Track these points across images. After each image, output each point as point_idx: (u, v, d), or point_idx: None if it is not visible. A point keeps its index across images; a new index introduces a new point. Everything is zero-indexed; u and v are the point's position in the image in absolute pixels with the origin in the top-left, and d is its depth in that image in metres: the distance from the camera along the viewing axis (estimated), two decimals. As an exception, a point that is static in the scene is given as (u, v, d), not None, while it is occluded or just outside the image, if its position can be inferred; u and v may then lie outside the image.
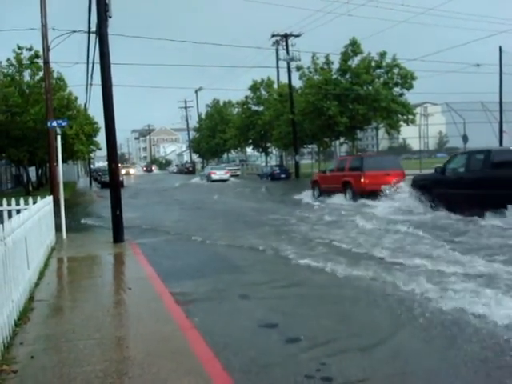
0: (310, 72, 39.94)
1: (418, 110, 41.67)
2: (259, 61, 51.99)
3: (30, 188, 31.91)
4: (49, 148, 23.88)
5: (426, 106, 68.01)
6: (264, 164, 61.89)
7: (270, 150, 62.88)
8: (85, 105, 37.10)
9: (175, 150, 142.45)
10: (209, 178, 46.69)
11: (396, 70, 36.84)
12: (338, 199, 19.96)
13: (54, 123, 13.45)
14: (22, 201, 10.33)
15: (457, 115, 38.89)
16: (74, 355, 4.57)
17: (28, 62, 27.32)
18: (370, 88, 36.80)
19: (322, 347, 4.73)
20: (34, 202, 9.44)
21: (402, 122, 37.82)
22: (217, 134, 74.15)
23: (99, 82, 12.12)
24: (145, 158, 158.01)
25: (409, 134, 47.93)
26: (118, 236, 11.68)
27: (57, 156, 14.20)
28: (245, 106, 60.62)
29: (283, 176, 44.36)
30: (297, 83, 44.45)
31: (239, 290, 7.02)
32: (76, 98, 32.48)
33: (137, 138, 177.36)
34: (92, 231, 14.76)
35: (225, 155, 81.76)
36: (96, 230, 14.76)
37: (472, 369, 4.19)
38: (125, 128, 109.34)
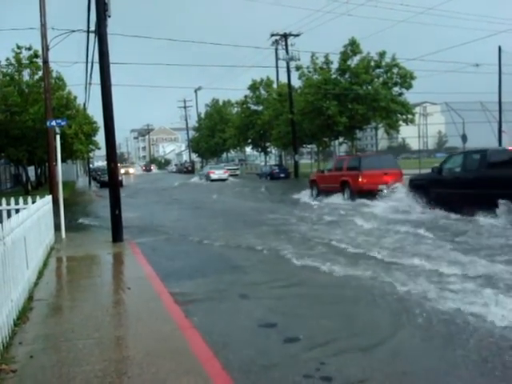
0: (310, 72, 39.97)
1: (417, 109, 41.66)
2: (258, 60, 52.45)
3: (29, 187, 31.90)
4: (48, 147, 23.90)
5: (425, 106, 67.98)
6: (263, 163, 61.90)
7: (269, 149, 62.90)
8: (84, 104, 37.10)
9: (174, 149, 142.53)
10: (208, 178, 46.74)
11: (395, 70, 36.88)
12: (336, 199, 20.05)
13: (53, 123, 13.44)
14: (21, 200, 10.31)
15: (456, 115, 38.87)
16: (73, 355, 4.57)
17: (27, 62, 27.30)
18: (370, 88, 36.83)
19: (321, 347, 4.73)
20: (33, 202, 9.43)
21: (401, 122, 37.87)
22: (216, 134, 74.18)
23: (98, 82, 12.12)
24: (144, 157, 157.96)
25: (408, 133, 47.95)
26: (117, 235, 11.67)
27: (56, 155, 14.19)
28: (244, 106, 60.65)
29: (282, 176, 44.39)
30: (296, 83, 44.55)
31: (239, 289, 7.03)
32: (75, 98, 32.49)
33: (136, 138, 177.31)
34: (91, 231, 14.76)
35: (224, 155, 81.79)
36: (95, 230, 14.75)
37: (471, 369, 4.20)
38: (124, 127, 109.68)
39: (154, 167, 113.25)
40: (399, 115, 37.23)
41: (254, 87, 58.90)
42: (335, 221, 14.11)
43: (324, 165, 32.82)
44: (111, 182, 12.18)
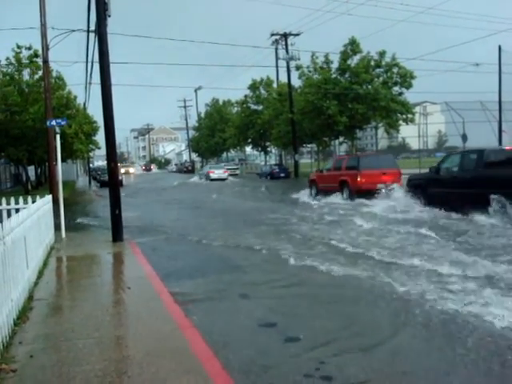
0: (310, 71, 39.96)
1: (417, 109, 41.65)
2: (258, 60, 52.49)
3: (29, 187, 31.89)
4: (48, 147, 23.90)
5: (425, 105, 67.94)
6: (263, 163, 61.91)
7: (269, 149, 62.92)
8: (84, 104, 37.09)
9: (174, 149, 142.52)
10: (207, 177, 46.83)
11: (395, 70, 36.88)
12: (335, 198, 20.15)
13: (53, 122, 13.43)
14: (21, 200, 10.31)
15: (456, 114, 38.87)
16: (73, 354, 4.57)
17: (27, 61, 27.28)
18: (370, 87, 36.84)
19: (321, 346, 4.73)
20: (33, 201, 9.43)
21: (401, 121, 37.87)
22: (216, 133, 74.18)
23: (98, 81, 12.12)
24: (144, 157, 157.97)
25: (408, 133, 47.94)
26: (117, 235, 11.67)
27: (56, 155, 14.19)
28: (244, 106, 60.66)
29: (282, 175, 44.40)
30: (296, 82, 44.57)
31: (238, 289, 7.03)
32: (75, 97, 32.48)
33: (136, 137, 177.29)
34: (91, 230, 14.76)
35: (224, 154, 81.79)
36: (95, 229, 14.75)
37: (471, 369, 4.20)
38: (124, 127, 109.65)
39: (153, 167, 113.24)
40: (399, 115, 37.24)
41: (254, 87, 58.90)
42: (334, 220, 14.11)
43: (324, 164, 32.88)
44: (111, 182, 12.18)
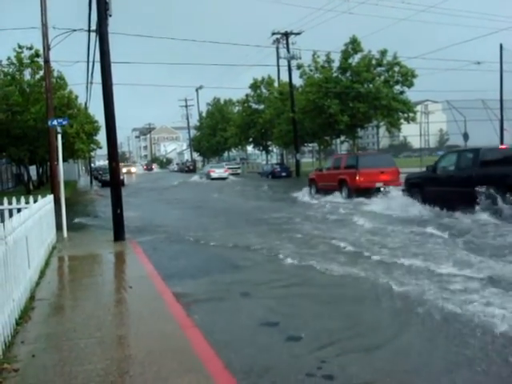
0: (311, 70, 39.90)
1: (418, 107, 41.62)
2: (260, 59, 52.57)
3: (31, 187, 31.90)
4: (49, 147, 23.90)
5: (426, 104, 67.78)
6: (265, 162, 61.89)
7: (270, 148, 62.90)
8: (85, 103, 37.11)
9: (176, 148, 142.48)
10: (208, 177, 46.96)
11: (397, 68, 36.80)
12: (335, 197, 20.33)
13: (55, 122, 13.44)
14: (22, 200, 10.33)
15: (457, 113, 38.85)
16: (75, 354, 4.58)
17: (28, 61, 27.28)
18: (371, 86, 36.78)
19: (322, 345, 4.73)
20: (35, 201, 9.44)
21: (402, 120, 37.80)
22: (217, 133, 74.15)
23: (100, 81, 12.13)
24: (145, 156, 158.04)
25: (409, 131, 47.86)
26: (118, 234, 11.68)
27: (57, 155, 14.21)
28: (245, 105, 60.63)
29: (284, 174, 44.40)
30: (297, 81, 44.50)
31: (240, 288, 7.03)
32: (76, 97, 32.47)
33: (137, 137, 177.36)
34: (93, 230, 14.77)
35: (225, 153, 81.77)
36: (96, 229, 14.76)
37: (471, 369, 4.20)
38: (125, 126, 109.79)
39: (155, 166, 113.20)
40: (400, 113, 37.18)
41: (255, 86, 58.87)
42: (335, 219, 14.15)
43: (324, 163, 32.86)
44: (113, 181, 12.18)
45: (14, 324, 5.27)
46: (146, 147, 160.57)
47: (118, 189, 12.03)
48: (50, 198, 11.35)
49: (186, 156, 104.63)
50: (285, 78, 48.47)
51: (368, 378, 4.03)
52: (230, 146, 71.41)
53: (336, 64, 38.79)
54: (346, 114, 36.55)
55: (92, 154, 49.50)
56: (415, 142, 62.89)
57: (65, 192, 13.93)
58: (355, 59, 37.84)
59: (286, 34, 45.73)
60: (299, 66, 40.75)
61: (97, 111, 24.50)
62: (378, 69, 37.66)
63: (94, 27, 15.85)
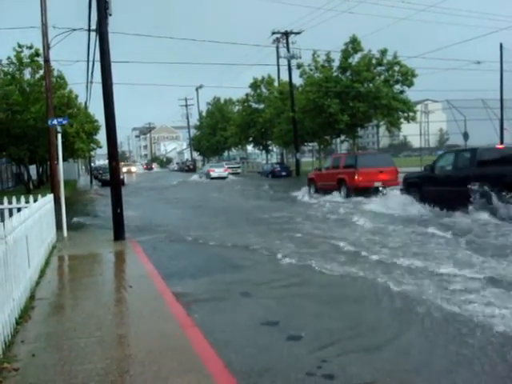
0: (311, 70, 39.88)
1: (418, 107, 41.59)
2: (260, 58, 52.48)
3: (31, 186, 31.89)
4: (49, 146, 23.90)
5: (426, 104, 67.80)
6: (265, 162, 61.87)
7: (270, 147, 62.86)
8: (85, 103, 37.11)
9: (176, 147, 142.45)
10: (208, 176, 47.02)
11: (397, 68, 36.78)
12: (334, 196, 20.46)
13: (55, 121, 13.44)
14: (22, 199, 10.32)
15: (457, 112, 38.83)
16: (75, 353, 4.58)
17: (28, 61, 27.28)
18: (371, 85, 36.75)
19: (322, 344, 4.73)
20: (35, 200, 9.44)
21: (402, 120, 37.78)
22: (217, 132, 74.12)
23: (100, 80, 12.13)
24: (145, 155, 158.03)
25: (409, 131, 47.86)
26: (118, 234, 11.68)
27: (57, 154, 14.20)
28: (245, 104, 60.59)
29: (284, 174, 44.41)
30: (297, 81, 44.49)
31: (240, 288, 7.03)
32: (76, 96, 32.47)
33: (137, 136, 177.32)
34: (93, 229, 14.76)
35: (225, 153, 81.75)
36: (96, 228, 14.75)
37: (472, 368, 4.20)
38: (125, 126, 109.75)
39: (155, 166, 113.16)
40: (400, 113, 37.17)
41: (255, 85, 58.85)
42: (334, 219, 14.18)
43: (324, 163, 32.87)
44: (113, 181, 12.18)
45: (14, 323, 5.27)
46: (145, 146, 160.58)
47: (118, 188, 12.03)
48: (50, 197, 11.35)
49: (186, 155, 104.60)
50: (285, 77, 48.56)
51: (368, 377, 4.03)
52: (229, 145, 71.39)
53: (336, 63, 38.79)
54: (346, 113, 36.54)
55: (92, 153, 49.51)
56: (415, 142, 62.92)
57: (65, 191, 13.93)
58: (355, 59, 37.83)
59: (286, 34, 45.72)
60: (299, 66, 40.73)
61: (97, 110, 24.51)
62: (378, 68, 37.64)
63: (93, 26, 15.84)
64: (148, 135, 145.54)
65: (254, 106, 59.44)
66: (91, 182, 49.84)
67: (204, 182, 44.13)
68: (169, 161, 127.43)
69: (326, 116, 37.38)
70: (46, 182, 37.37)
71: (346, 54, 37.73)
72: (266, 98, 56.16)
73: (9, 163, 37.82)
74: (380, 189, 18.12)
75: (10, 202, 10.45)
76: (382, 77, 37.39)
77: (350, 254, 9.04)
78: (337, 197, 20.24)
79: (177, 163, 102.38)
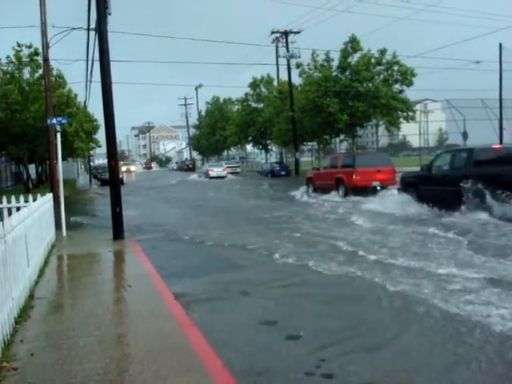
0: (310, 69, 39.89)
1: (418, 106, 41.64)
2: (259, 58, 52.60)
3: (30, 185, 31.89)
4: (48, 145, 23.89)
5: (426, 103, 67.90)
6: (264, 161, 61.87)
7: (270, 147, 62.86)
8: (84, 102, 37.07)
9: (175, 147, 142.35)
10: (206, 175, 47.04)
11: (396, 67, 36.80)
12: (332, 195, 20.54)
13: (54, 121, 13.43)
14: (21, 198, 10.32)
15: (457, 112, 38.91)
16: (74, 353, 4.58)
17: (27, 60, 27.27)
18: (370, 85, 36.76)
19: (321, 344, 4.73)
20: (34, 200, 9.44)
21: (401, 119, 37.81)
22: (217, 131, 74.12)
23: (99, 79, 12.12)
24: (145, 155, 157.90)
25: (409, 130, 47.91)
26: (117, 233, 11.68)
27: (57, 153, 14.19)
28: (245, 103, 60.58)
29: (283, 173, 44.41)
30: (297, 80, 44.49)
31: (239, 287, 7.03)
32: (76, 96, 32.46)
33: (137, 136, 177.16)
34: (92, 228, 14.75)
35: (225, 152, 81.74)
36: (96, 228, 14.74)
37: (472, 368, 4.20)
38: (124, 125, 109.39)
39: (154, 165, 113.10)
40: (400, 112, 37.19)
41: (254, 85, 58.84)
42: (332, 218, 14.22)
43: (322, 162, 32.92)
44: (112, 180, 12.18)
45: (13, 323, 5.27)
46: (145, 146, 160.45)
47: (117, 187, 12.03)
48: (49, 196, 11.35)
49: (186, 155, 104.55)
50: (284, 76, 48.55)
51: (367, 376, 4.04)
52: (229, 144, 71.39)
53: (335, 63, 38.80)
54: (345, 112, 36.54)
55: (91, 152, 49.55)
56: (414, 141, 62.97)
57: (64, 191, 13.92)
58: (354, 58, 37.85)
59: (286, 33, 45.71)
60: (298, 65, 40.75)
61: (96, 110, 24.48)
62: (378, 68, 37.65)
63: (93, 26, 15.83)
64: (147, 134, 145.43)
65: (254, 105, 59.44)
66: (90, 181, 49.82)
67: (203, 181, 44.14)
68: (168, 160, 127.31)
69: (326, 115, 37.38)
70: (46, 182, 37.36)
71: (345, 54, 37.74)
72: (266, 98, 56.15)
73: (8, 162, 37.80)
74: (378, 188, 18.24)
75: (9, 202, 10.43)
76: (382, 76, 37.40)
77: (348, 253, 9.05)
78: (335, 196, 20.32)
79: (176, 162, 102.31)
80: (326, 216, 14.76)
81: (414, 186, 15.42)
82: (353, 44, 37.53)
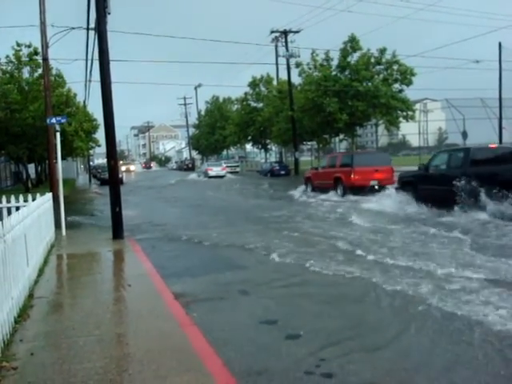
0: (310, 68, 39.86)
1: (417, 106, 41.61)
2: (259, 57, 52.61)
3: (30, 185, 31.88)
4: (48, 145, 23.88)
5: (425, 103, 67.85)
6: (263, 161, 61.87)
7: (269, 146, 62.85)
8: (84, 102, 37.06)
9: (174, 146, 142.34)
10: (206, 175, 47.07)
11: (395, 67, 36.76)
12: (330, 195, 20.63)
13: (53, 120, 13.43)
14: (21, 198, 10.32)
15: (456, 111, 38.90)
16: (73, 352, 4.58)
17: (27, 59, 27.25)
18: (370, 84, 36.73)
19: (321, 343, 4.73)
20: (34, 199, 9.44)
21: (401, 119, 37.78)
22: (216, 131, 74.11)
23: (98, 79, 12.11)
24: (144, 154, 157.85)
25: (408, 130, 47.93)
26: (117, 233, 11.68)
27: (56, 153, 14.18)
28: (244, 103, 60.55)
29: (283, 173, 44.43)
30: (296, 80, 44.45)
31: (239, 287, 7.03)
32: (75, 95, 32.45)
33: (136, 135, 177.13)
34: (91, 228, 14.75)
35: (224, 152, 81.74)
36: (95, 227, 14.74)
37: (471, 368, 4.20)
38: (124, 125, 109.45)
39: (154, 164, 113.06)
40: (399, 112, 37.16)
41: (254, 84, 58.82)
42: (331, 217, 14.25)
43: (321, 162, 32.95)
44: (111, 180, 12.18)
45: (13, 322, 5.27)
46: (144, 145, 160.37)
47: (117, 187, 12.03)
48: (49, 196, 11.34)
49: (185, 154, 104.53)
50: (284, 76, 48.51)
51: (367, 375, 4.04)
52: (228, 144, 71.36)
53: (335, 62, 38.76)
54: (344, 112, 36.52)
55: (91, 152, 49.54)
56: (414, 141, 63.01)
57: (63, 190, 13.91)
58: (354, 57, 37.81)
59: (285, 33, 45.70)
60: (298, 65, 40.71)
61: (95, 109, 24.55)
62: (377, 67, 37.61)
63: (92, 25, 15.81)
64: (147, 134, 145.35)
65: (253, 104, 59.41)
66: (90, 180, 49.79)
67: (202, 180, 44.17)
68: (167, 160, 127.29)
69: (325, 115, 37.36)
70: (45, 181, 37.33)
71: (344, 53, 37.71)
72: (265, 97, 56.12)
73: (7, 162, 37.79)
74: (376, 187, 18.36)
75: (8, 201, 10.44)
76: (381, 76, 37.36)
77: (347, 253, 9.04)
78: (333, 196, 20.42)
79: (175, 162, 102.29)
80: (326, 215, 14.79)
81: (411, 185, 15.51)
82: (352, 43, 37.50)
